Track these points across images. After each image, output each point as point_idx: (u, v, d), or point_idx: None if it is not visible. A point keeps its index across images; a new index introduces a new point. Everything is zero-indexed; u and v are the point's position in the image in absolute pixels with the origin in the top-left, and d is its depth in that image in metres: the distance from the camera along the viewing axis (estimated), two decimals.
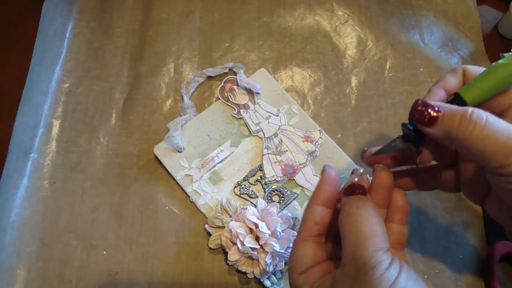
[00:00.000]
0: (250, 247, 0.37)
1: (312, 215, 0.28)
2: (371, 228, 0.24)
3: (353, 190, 0.27)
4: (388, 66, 0.50)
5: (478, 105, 0.28)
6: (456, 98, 0.28)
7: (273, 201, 0.43)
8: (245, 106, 0.47)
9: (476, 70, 0.30)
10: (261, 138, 0.46)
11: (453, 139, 0.25)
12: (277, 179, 0.44)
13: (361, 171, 0.28)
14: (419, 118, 0.26)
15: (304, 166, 0.45)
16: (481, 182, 0.28)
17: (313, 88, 0.49)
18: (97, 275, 0.41)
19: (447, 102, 0.28)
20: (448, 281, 0.41)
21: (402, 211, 0.29)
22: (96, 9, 0.53)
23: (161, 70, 0.50)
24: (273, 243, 0.37)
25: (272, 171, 0.44)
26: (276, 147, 0.45)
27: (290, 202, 0.43)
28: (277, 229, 0.38)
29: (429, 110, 0.25)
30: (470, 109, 0.24)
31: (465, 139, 0.24)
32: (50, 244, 0.42)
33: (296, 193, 0.44)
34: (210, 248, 0.41)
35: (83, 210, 0.43)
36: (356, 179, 0.28)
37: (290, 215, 0.41)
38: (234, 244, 0.39)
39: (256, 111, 0.47)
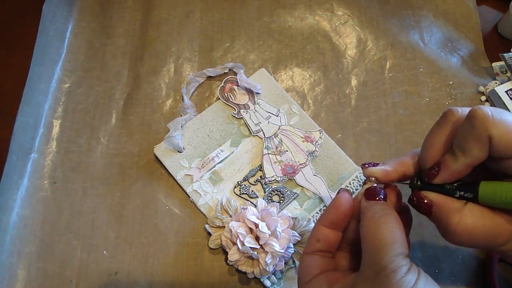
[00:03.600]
0: (250, 247, 0.37)
1: (316, 233, 0.29)
2: (392, 234, 0.25)
3: (374, 194, 0.28)
4: (388, 66, 0.50)
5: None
6: (471, 185, 0.27)
7: (273, 201, 0.43)
8: (245, 106, 0.47)
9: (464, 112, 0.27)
10: (261, 138, 0.46)
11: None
12: (277, 179, 0.44)
13: (373, 178, 0.29)
14: (417, 208, 0.28)
15: (304, 166, 0.45)
16: None
17: (313, 88, 0.49)
18: (97, 275, 0.41)
19: (459, 184, 0.27)
20: (448, 281, 0.41)
21: (407, 225, 0.30)
22: (96, 9, 0.53)
23: (161, 70, 0.50)
24: (273, 243, 0.37)
25: (272, 171, 0.44)
26: (276, 147, 0.45)
27: (290, 202, 0.43)
28: (277, 229, 0.38)
29: (422, 203, 0.28)
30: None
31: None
32: (50, 244, 0.42)
33: (296, 193, 0.44)
34: (210, 248, 0.41)
35: (83, 210, 0.44)
36: (375, 185, 0.28)
37: (290, 215, 0.41)
38: (234, 244, 0.39)
39: (256, 111, 0.47)
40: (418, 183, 0.29)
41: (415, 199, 0.28)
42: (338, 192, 0.30)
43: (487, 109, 0.24)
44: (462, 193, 0.27)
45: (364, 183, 0.30)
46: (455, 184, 0.27)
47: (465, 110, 0.26)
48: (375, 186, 0.28)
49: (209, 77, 0.49)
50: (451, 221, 0.26)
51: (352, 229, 0.29)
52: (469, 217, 0.26)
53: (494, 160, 0.26)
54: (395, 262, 0.23)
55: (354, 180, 0.44)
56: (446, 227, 0.27)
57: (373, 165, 0.30)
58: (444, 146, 0.27)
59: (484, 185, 0.26)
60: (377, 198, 0.27)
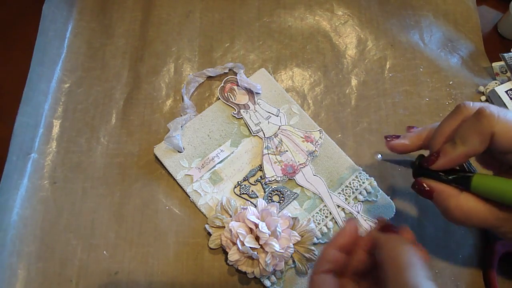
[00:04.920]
0: (250, 247, 0.37)
1: (326, 255, 0.31)
2: (414, 258, 0.26)
3: (389, 228, 0.31)
4: (388, 66, 0.50)
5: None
6: (464, 179, 0.31)
7: (273, 201, 0.43)
8: (245, 106, 0.47)
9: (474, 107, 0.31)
10: (261, 138, 0.46)
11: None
12: (277, 179, 0.44)
13: (387, 219, 0.32)
14: (419, 193, 0.32)
15: (304, 166, 0.45)
16: None
17: (313, 88, 0.49)
18: (97, 275, 0.41)
19: (458, 175, 0.31)
20: (448, 281, 0.41)
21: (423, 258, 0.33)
22: (96, 9, 0.53)
23: (161, 70, 0.50)
24: (273, 243, 0.37)
25: (272, 171, 0.44)
26: (276, 147, 0.45)
27: (290, 202, 0.43)
28: (277, 229, 0.38)
29: (423, 191, 0.32)
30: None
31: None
32: (50, 244, 0.42)
33: (296, 193, 0.44)
34: (210, 248, 0.41)
35: (83, 210, 0.44)
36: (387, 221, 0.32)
37: (290, 215, 0.41)
38: (234, 244, 0.39)
39: (256, 111, 0.47)
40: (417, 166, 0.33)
41: (416, 186, 0.32)
42: (347, 221, 0.33)
43: (495, 108, 0.28)
44: (456, 186, 0.31)
45: (376, 224, 0.32)
46: (450, 177, 0.31)
47: (476, 105, 0.30)
48: (390, 223, 0.31)
49: (209, 77, 0.49)
50: (449, 205, 0.30)
51: (360, 260, 0.30)
52: (464, 202, 0.30)
53: (500, 154, 0.30)
54: (420, 281, 0.24)
55: (354, 180, 0.44)
56: (445, 210, 0.31)
57: (396, 137, 0.34)
58: (453, 135, 0.31)
59: (476, 179, 0.30)
60: (392, 230, 0.30)
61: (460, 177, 0.31)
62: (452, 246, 0.42)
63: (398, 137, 0.34)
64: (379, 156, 0.39)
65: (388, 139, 0.35)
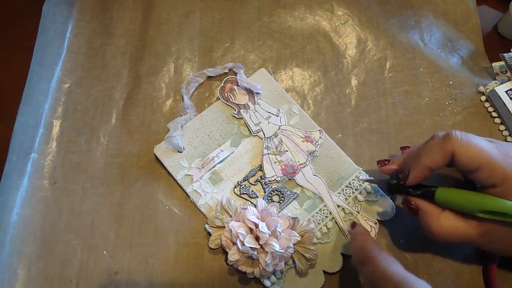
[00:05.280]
0: (250, 247, 0.37)
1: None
2: None
3: None
4: (388, 66, 0.50)
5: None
6: (429, 193, 0.35)
7: (273, 201, 0.43)
8: (245, 106, 0.47)
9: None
10: (261, 138, 0.46)
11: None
12: (277, 179, 0.44)
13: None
14: (408, 210, 0.37)
15: (304, 166, 0.45)
16: None
17: (313, 88, 0.49)
18: (97, 275, 0.41)
19: (423, 190, 0.36)
20: (448, 281, 0.41)
21: None
22: (96, 9, 0.53)
23: (161, 70, 0.50)
24: (273, 243, 0.37)
25: (272, 171, 0.44)
26: (276, 147, 0.45)
27: (290, 202, 0.43)
28: (277, 229, 0.38)
29: (411, 208, 0.37)
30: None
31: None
32: (50, 244, 0.42)
33: (296, 193, 0.44)
34: (210, 248, 0.41)
35: (83, 210, 0.44)
36: None
37: (290, 215, 0.41)
38: (234, 244, 0.39)
39: (256, 111, 0.47)
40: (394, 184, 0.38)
41: (405, 203, 0.37)
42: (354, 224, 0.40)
43: (460, 133, 0.33)
44: (424, 199, 0.36)
45: None
46: (418, 192, 0.36)
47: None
48: None
49: (209, 77, 0.49)
50: (431, 224, 0.35)
51: None
52: (444, 222, 0.34)
53: (467, 174, 0.34)
54: None
55: (354, 180, 0.44)
56: (426, 228, 0.35)
57: (386, 162, 0.39)
58: None
59: (439, 193, 0.35)
60: None
61: (426, 191, 0.36)
62: (452, 246, 0.42)
63: (388, 161, 0.40)
64: (366, 175, 0.44)
65: (380, 164, 0.40)
